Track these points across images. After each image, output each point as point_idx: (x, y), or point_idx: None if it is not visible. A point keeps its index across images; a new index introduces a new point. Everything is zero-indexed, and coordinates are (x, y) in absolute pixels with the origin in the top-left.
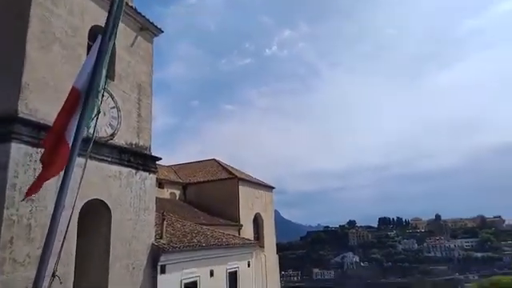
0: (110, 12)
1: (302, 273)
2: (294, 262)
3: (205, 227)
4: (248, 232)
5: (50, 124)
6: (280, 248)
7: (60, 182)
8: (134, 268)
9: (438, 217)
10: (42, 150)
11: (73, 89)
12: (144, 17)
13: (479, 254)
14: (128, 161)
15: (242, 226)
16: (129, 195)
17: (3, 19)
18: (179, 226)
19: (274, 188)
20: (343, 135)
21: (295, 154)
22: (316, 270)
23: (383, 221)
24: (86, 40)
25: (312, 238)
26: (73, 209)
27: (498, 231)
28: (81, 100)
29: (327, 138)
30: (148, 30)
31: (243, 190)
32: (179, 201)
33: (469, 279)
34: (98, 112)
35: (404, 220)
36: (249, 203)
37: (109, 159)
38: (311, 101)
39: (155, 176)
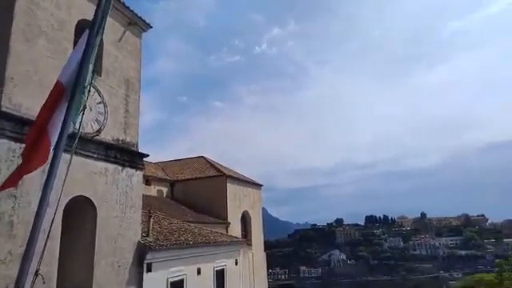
0: (98, 6)
1: (289, 271)
2: (282, 259)
3: (192, 225)
4: (236, 230)
5: (34, 119)
6: (267, 246)
7: (44, 179)
8: (119, 266)
9: (423, 215)
10: None
11: (57, 83)
12: (132, 11)
13: (463, 252)
14: (114, 157)
15: (229, 223)
16: (115, 192)
17: None
18: (166, 223)
19: (262, 186)
20: (332, 133)
21: (284, 151)
22: (303, 268)
23: (370, 219)
24: (73, 34)
25: (299, 236)
26: (57, 206)
27: (482, 229)
28: (65, 94)
29: (316, 136)
30: (136, 24)
31: (231, 188)
32: (166, 198)
33: (453, 277)
34: (84, 107)
35: (390, 218)
36: (237, 201)
37: (95, 155)
38: (300, 99)
39: (142, 173)
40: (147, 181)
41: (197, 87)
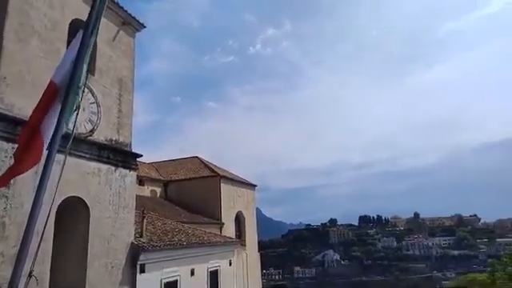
0: (92, 6)
1: (283, 271)
2: (276, 260)
3: (186, 225)
4: (230, 230)
5: (27, 119)
6: (261, 246)
7: (38, 179)
8: (112, 267)
9: (416, 215)
10: None
11: (50, 83)
12: (126, 11)
13: (456, 252)
14: (107, 157)
15: (223, 224)
16: (108, 193)
17: None
18: (160, 224)
19: (256, 186)
20: (327, 133)
21: (279, 151)
22: (297, 269)
23: (363, 219)
24: (66, 34)
25: (294, 236)
26: (51, 206)
27: (474, 229)
28: (59, 95)
29: (311, 136)
30: (130, 24)
31: (225, 188)
32: (160, 198)
33: (446, 277)
34: (78, 108)
35: (384, 218)
36: (230, 201)
37: (88, 156)
38: (296, 99)
39: (135, 173)
40: (141, 181)
41: (190, 87)
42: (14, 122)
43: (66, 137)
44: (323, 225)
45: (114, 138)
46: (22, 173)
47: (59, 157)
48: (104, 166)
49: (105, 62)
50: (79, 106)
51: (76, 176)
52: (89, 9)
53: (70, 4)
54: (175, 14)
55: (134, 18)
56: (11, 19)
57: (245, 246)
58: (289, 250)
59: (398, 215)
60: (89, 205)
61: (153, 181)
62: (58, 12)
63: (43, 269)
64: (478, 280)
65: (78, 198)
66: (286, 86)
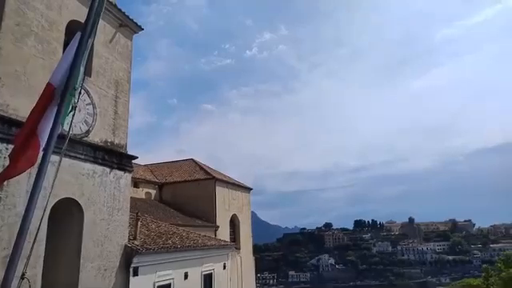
0: (90, 8)
1: (277, 275)
2: (270, 264)
3: (180, 228)
4: (224, 233)
5: (22, 119)
6: (256, 250)
7: (32, 180)
8: (105, 270)
9: (411, 220)
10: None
11: (48, 85)
12: (124, 13)
13: (451, 257)
14: (102, 159)
15: (218, 227)
16: (102, 194)
17: None
18: (154, 226)
19: (251, 189)
20: (323, 137)
21: (275, 155)
22: (292, 273)
23: (358, 223)
24: (63, 35)
25: (289, 240)
26: (45, 208)
27: (469, 235)
28: (56, 97)
29: (307, 140)
30: (128, 26)
31: (220, 191)
32: (155, 201)
33: (441, 282)
34: (74, 109)
35: (379, 223)
36: (225, 204)
37: (83, 157)
38: (291, 102)
39: (130, 175)
40: (135, 183)
41: (187, 90)
42: (10, 122)
43: (62, 138)
44: (318, 229)
45: (109, 140)
46: (18, 174)
47: (54, 158)
48: (99, 168)
49: (101, 64)
50: (75, 107)
51: (70, 177)
52: (86, 10)
53: (68, 5)
54: (173, 16)
55: (131, 20)
56: (8, 19)
57: (239, 249)
58: (284, 254)
59: (393, 220)
60: (83, 206)
61: (148, 183)
62: (55, 12)
63: (36, 271)
64: (472, 285)
65: (72, 199)
66: (282, 89)
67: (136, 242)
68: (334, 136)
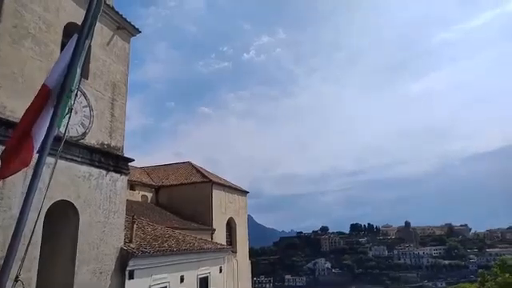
0: (88, 10)
1: (274, 279)
2: (267, 267)
3: (177, 231)
4: (221, 237)
5: (19, 121)
6: (252, 253)
7: (28, 182)
8: (101, 273)
9: (407, 224)
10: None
11: (43, 86)
12: (121, 16)
13: (447, 262)
14: (99, 161)
15: (214, 230)
16: (98, 197)
17: None
18: (150, 229)
19: (247, 193)
20: (320, 141)
21: (271, 158)
22: (288, 277)
23: (355, 227)
24: (61, 37)
25: (285, 244)
26: (40, 210)
27: (465, 239)
28: (51, 98)
29: (303, 143)
30: (125, 29)
31: (217, 194)
32: (151, 204)
33: (437, 286)
34: (70, 111)
35: (375, 227)
36: (222, 207)
37: (79, 159)
38: (288, 106)
39: (127, 178)
40: (132, 186)
41: (185, 93)
42: (7, 124)
43: (58, 140)
44: (315, 232)
45: (106, 142)
46: (11, 175)
47: (50, 160)
48: (95, 170)
49: (99, 66)
50: (71, 109)
51: (66, 180)
52: (84, 12)
53: (65, 7)
54: (171, 19)
55: (129, 23)
56: (5, 21)
57: (236, 253)
58: (280, 258)
59: (389, 223)
60: (79, 209)
61: (144, 186)
62: (52, 15)
63: (30, 274)
64: None
65: (68, 201)
66: (279, 93)
67: (132, 245)
68: (332, 139)
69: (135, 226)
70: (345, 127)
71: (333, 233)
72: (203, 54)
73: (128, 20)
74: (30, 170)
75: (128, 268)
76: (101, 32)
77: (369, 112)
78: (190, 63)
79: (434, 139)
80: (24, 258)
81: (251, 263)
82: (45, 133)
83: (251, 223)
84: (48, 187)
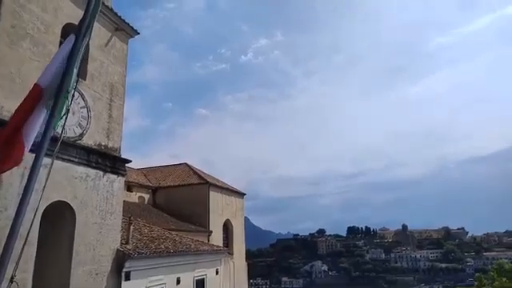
0: (86, 11)
1: (270, 281)
2: (263, 269)
3: (173, 233)
4: (217, 238)
5: (8, 120)
6: (249, 255)
7: (24, 183)
8: (97, 274)
9: (404, 227)
10: None
11: (35, 86)
12: (120, 17)
13: (444, 265)
14: (96, 162)
15: (211, 232)
16: (95, 198)
17: None
18: (146, 231)
19: (245, 194)
20: (316, 143)
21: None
22: (285, 279)
23: (352, 230)
24: (59, 37)
25: (282, 246)
26: (36, 211)
27: (462, 243)
28: (43, 98)
29: (301, 146)
30: (123, 30)
31: (214, 196)
32: (148, 205)
33: None
34: (68, 112)
35: (372, 229)
36: (219, 209)
37: (76, 160)
38: (286, 108)
39: (124, 179)
40: (129, 187)
41: (182, 94)
42: (3, 124)
43: (55, 140)
44: (311, 235)
45: (103, 143)
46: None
47: (46, 160)
48: (92, 171)
49: (97, 67)
50: (68, 109)
51: (63, 180)
52: (82, 13)
53: (64, 8)
54: (169, 21)
55: (127, 24)
56: (4, 21)
57: (232, 254)
58: (277, 260)
59: (386, 226)
60: (75, 210)
61: (141, 187)
62: (51, 15)
63: (26, 275)
64: None
65: (65, 202)
66: (276, 95)
67: (128, 247)
68: (330, 142)
69: (132, 227)
70: (343, 129)
71: (330, 235)
72: (201, 55)
73: (126, 21)
74: (26, 171)
75: (124, 269)
76: (99, 33)
77: (367, 114)
78: (188, 65)
79: (432, 142)
80: (19, 258)
81: (248, 265)
82: (36, 132)
83: (248, 225)
84: (45, 188)
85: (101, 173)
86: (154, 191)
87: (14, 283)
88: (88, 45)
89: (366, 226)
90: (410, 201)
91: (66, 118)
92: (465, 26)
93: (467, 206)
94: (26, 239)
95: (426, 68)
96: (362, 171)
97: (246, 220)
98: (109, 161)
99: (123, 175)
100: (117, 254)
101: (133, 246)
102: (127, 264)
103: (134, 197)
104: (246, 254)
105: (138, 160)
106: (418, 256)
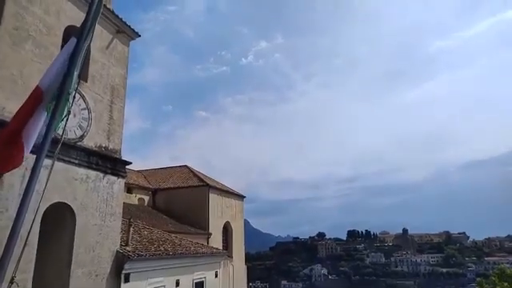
0: (87, 13)
1: (269, 284)
2: (263, 272)
3: (173, 235)
4: (217, 241)
5: (9, 121)
6: (248, 258)
7: (25, 184)
8: (96, 275)
9: (405, 231)
10: None
11: (36, 88)
12: (121, 20)
13: (444, 270)
14: (96, 164)
15: (211, 234)
16: (95, 199)
17: None
18: (146, 233)
19: (244, 197)
20: (317, 147)
21: (268, 163)
22: (284, 282)
23: (352, 233)
24: (61, 39)
25: (281, 249)
26: (36, 212)
27: (463, 247)
28: (44, 100)
29: (301, 149)
30: (125, 33)
31: (213, 198)
32: (148, 207)
33: None
34: (69, 113)
35: (372, 233)
36: (219, 212)
37: (76, 161)
38: (286, 111)
39: (124, 180)
40: (129, 189)
41: (182, 96)
42: (4, 125)
43: (55, 142)
44: (311, 238)
45: (103, 145)
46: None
47: (47, 162)
48: (92, 173)
49: (98, 69)
50: (69, 111)
51: (63, 182)
52: (84, 16)
53: (66, 10)
54: (170, 24)
55: (129, 26)
56: (6, 23)
57: (232, 257)
58: (276, 263)
59: (386, 230)
60: (75, 211)
61: (141, 189)
62: (53, 17)
63: (26, 276)
64: None
65: (65, 203)
66: (276, 98)
67: (128, 248)
68: (329, 145)
69: (132, 229)
70: (342, 133)
71: (330, 239)
72: (201, 58)
73: (128, 24)
74: (27, 172)
75: (124, 271)
76: (100, 35)
77: (367, 118)
78: (189, 67)
79: (432, 145)
80: (20, 259)
81: (247, 268)
82: (36, 134)
83: (248, 228)
84: (45, 189)
85: (101, 174)
86: (154, 193)
87: (14, 284)
88: (89, 47)
89: (366, 230)
90: (411, 204)
91: (67, 119)
92: (465, 30)
93: (468, 210)
94: (27, 240)
95: (426, 72)
96: (362, 174)
97: (246, 223)
98: (109, 162)
99: (123, 177)
100: (116, 256)
101: (132, 247)
102: (127, 266)
103: (133, 198)
104: (246, 256)
105: (139, 162)
106: (419, 260)
